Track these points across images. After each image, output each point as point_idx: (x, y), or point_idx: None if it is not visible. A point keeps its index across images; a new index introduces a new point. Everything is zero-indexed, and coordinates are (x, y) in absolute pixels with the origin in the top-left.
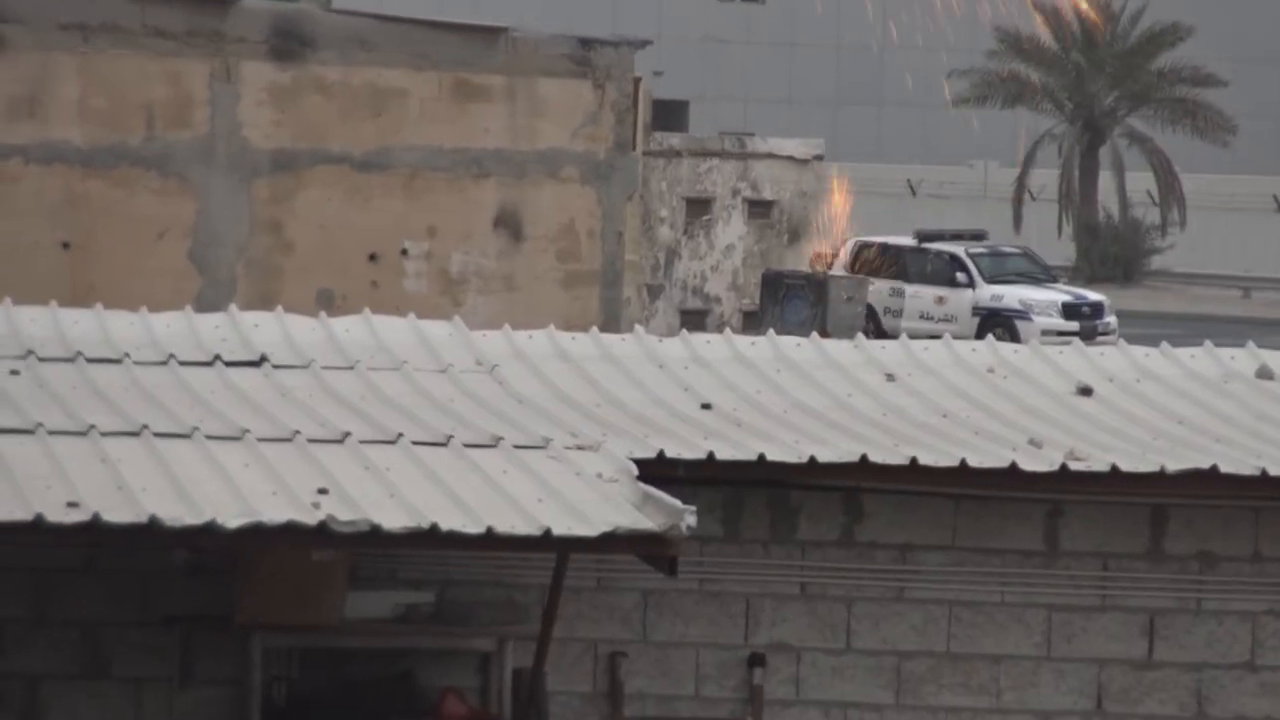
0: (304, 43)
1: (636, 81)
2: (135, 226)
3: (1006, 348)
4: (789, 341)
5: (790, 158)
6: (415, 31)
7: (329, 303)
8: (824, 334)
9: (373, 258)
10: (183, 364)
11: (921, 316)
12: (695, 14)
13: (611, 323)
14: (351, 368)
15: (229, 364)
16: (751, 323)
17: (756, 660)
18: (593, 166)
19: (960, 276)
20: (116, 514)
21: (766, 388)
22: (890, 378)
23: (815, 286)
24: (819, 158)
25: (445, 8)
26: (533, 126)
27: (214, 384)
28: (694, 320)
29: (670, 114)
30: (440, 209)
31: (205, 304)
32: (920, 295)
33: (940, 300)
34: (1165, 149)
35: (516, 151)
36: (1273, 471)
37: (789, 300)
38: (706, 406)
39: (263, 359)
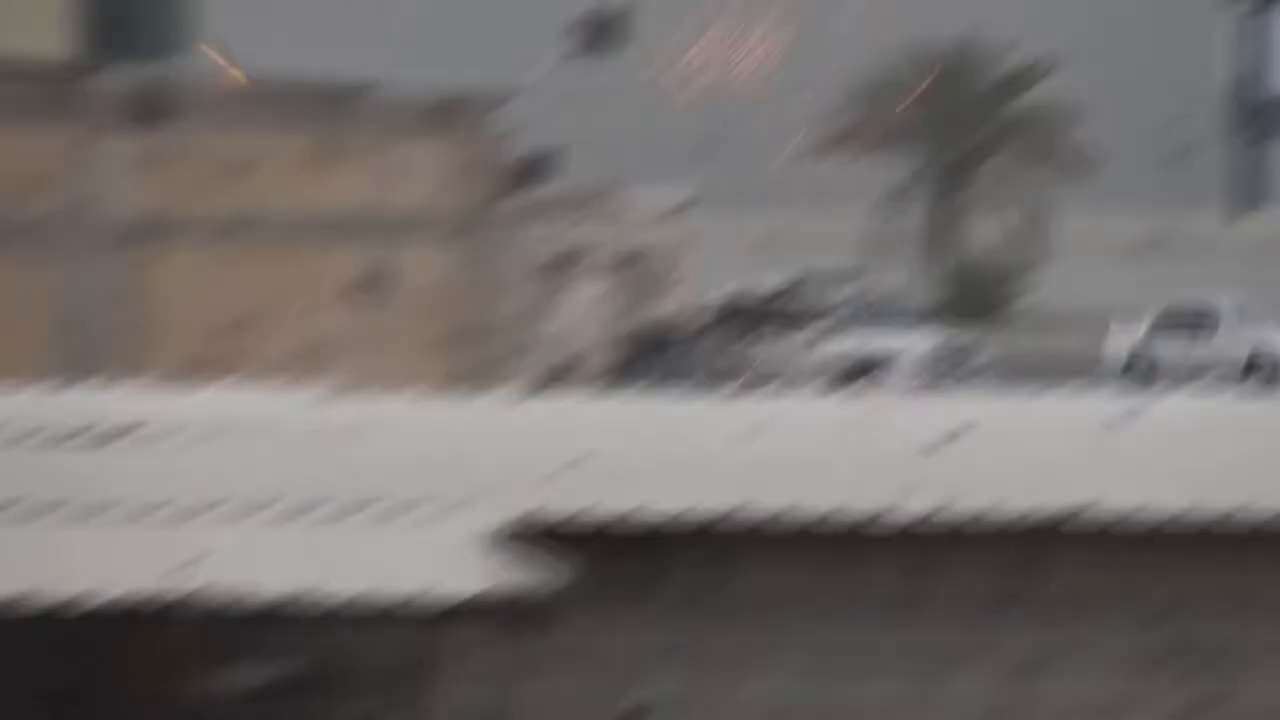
0: (167, 109)
1: (499, 137)
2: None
3: (874, 396)
4: (656, 397)
5: (655, 210)
6: (278, 94)
7: (196, 369)
8: (692, 386)
9: (238, 324)
10: (53, 437)
11: (789, 364)
12: (560, 67)
13: (479, 382)
14: (218, 436)
15: (97, 436)
16: (616, 376)
17: (632, 716)
18: (455, 225)
19: (826, 322)
20: None
21: (635, 443)
22: (758, 429)
23: (682, 340)
24: (685, 208)
25: (307, 60)
26: (395, 186)
27: (83, 455)
28: (560, 377)
29: (534, 168)
30: (306, 271)
31: (72, 374)
32: (787, 342)
33: (806, 347)
34: (1029, 188)
35: (380, 212)
36: (1141, 514)
37: (653, 353)
38: (575, 463)
39: (131, 429)
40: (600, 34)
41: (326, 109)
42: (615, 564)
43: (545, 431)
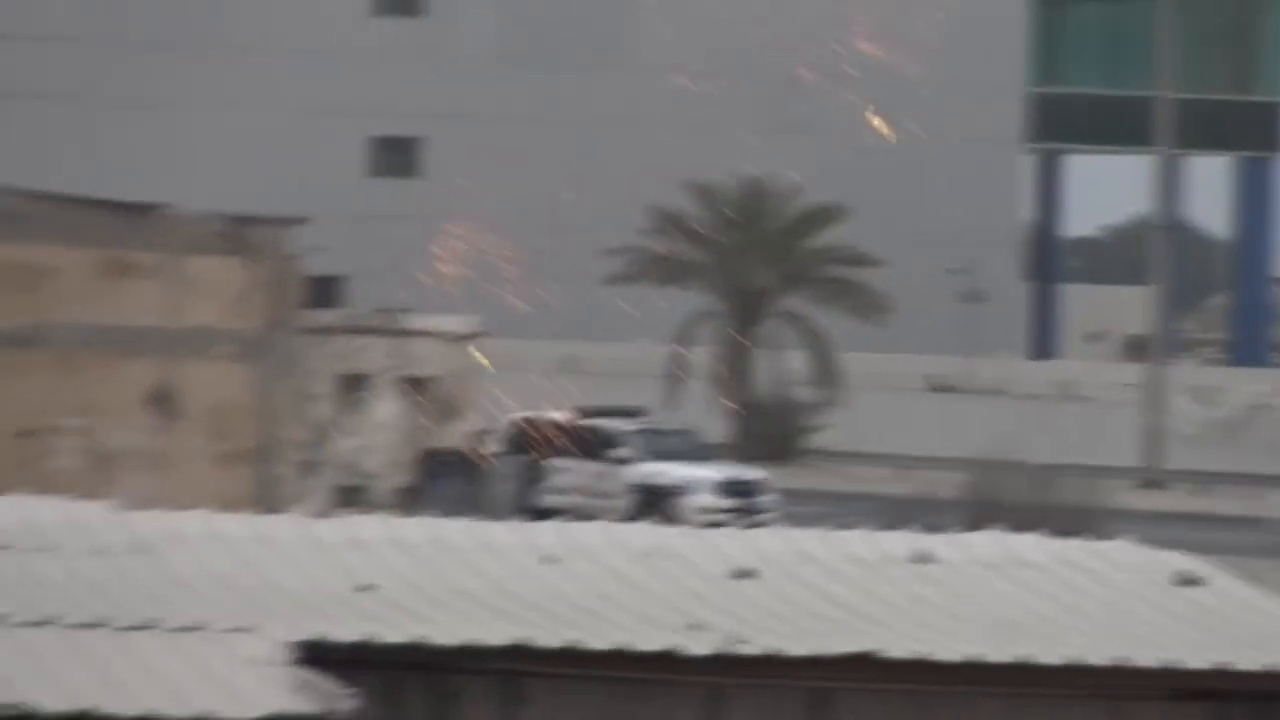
0: None
1: (290, 259)
2: None
3: (665, 530)
4: (446, 523)
5: (446, 334)
6: (68, 209)
7: None
8: (480, 512)
9: (25, 434)
10: None
11: (581, 493)
12: (351, 190)
13: (266, 501)
14: (5, 549)
15: None
16: (408, 500)
17: None
18: (246, 344)
19: (618, 453)
20: None
21: (424, 570)
22: (549, 560)
23: (471, 464)
24: (477, 335)
25: (98, 184)
26: (186, 304)
27: None
28: (350, 497)
29: (325, 290)
30: (93, 386)
31: None
32: (579, 471)
33: (599, 476)
34: (822, 328)
35: (170, 329)
36: (931, 655)
37: (444, 477)
38: (364, 589)
39: None
40: (396, 158)
41: (119, 226)
42: (401, 692)
43: (334, 556)
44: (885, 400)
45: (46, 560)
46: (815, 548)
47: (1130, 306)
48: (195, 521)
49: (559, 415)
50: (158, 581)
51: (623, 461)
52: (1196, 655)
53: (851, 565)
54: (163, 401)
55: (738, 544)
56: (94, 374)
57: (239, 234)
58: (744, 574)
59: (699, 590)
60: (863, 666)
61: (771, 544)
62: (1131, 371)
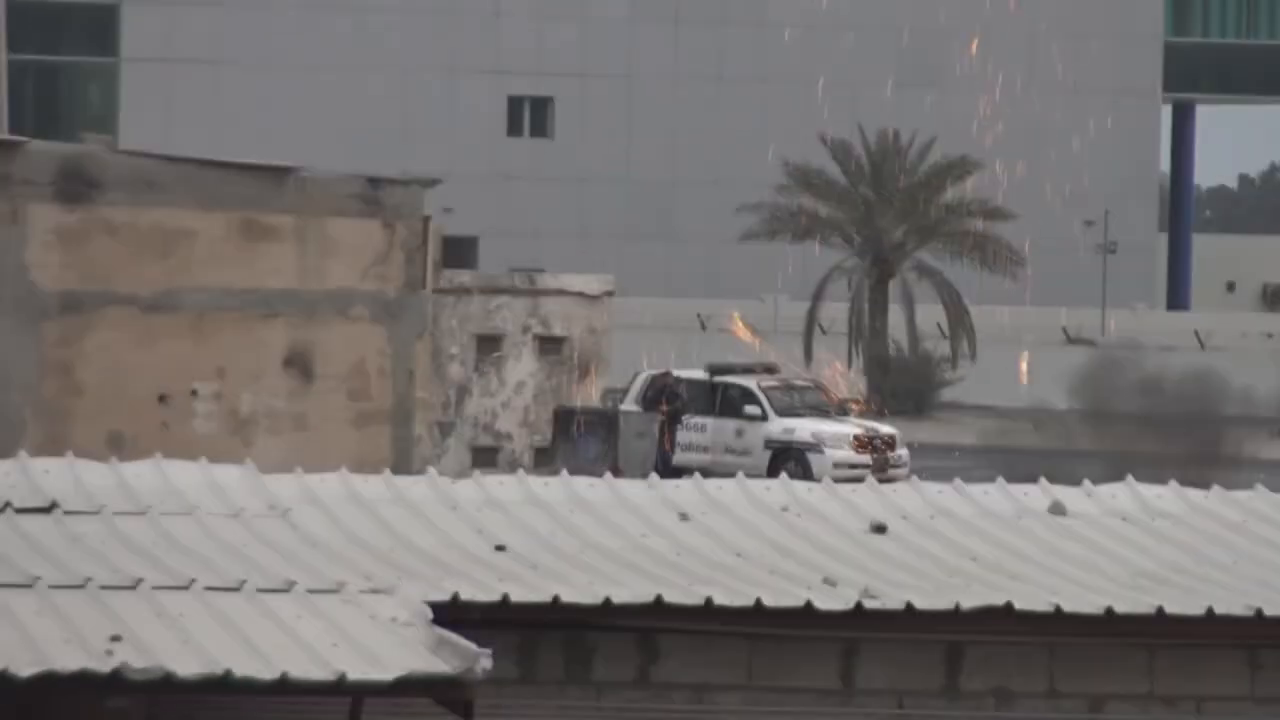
0: (91, 184)
1: (426, 219)
2: None
3: (800, 486)
4: (582, 482)
5: (580, 293)
6: (202, 172)
7: (119, 445)
8: (616, 470)
9: (162, 399)
10: None
11: (715, 449)
12: (484, 150)
13: (403, 461)
14: (143, 513)
15: (19, 511)
16: (543, 459)
17: None
18: (382, 305)
19: (752, 409)
20: None
21: (560, 529)
22: (684, 517)
23: (606, 422)
24: (609, 293)
25: (232, 147)
26: (322, 266)
27: (3, 531)
28: (486, 457)
29: (460, 250)
30: (229, 349)
31: None
32: (714, 428)
33: (734, 433)
34: (955, 282)
35: (306, 291)
36: (1067, 608)
37: (581, 436)
38: (500, 548)
39: (53, 505)
40: (531, 118)
41: (252, 189)
42: (538, 651)
43: (471, 516)
44: (1020, 353)
45: (184, 524)
46: (950, 501)
47: (1267, 256)
48: (332, 483)
49: (694, 372)
50: (295, 544)
51: (757, 418)
52: None
53: (986, 519)
54: (299, 364)
55: (873, 499)
56: (230, 337)
57: (375, 195)
58: (879, 528)
59: (835, 545)
60: (999, 619)
61: (906, 498)
62: (1268, 321)
